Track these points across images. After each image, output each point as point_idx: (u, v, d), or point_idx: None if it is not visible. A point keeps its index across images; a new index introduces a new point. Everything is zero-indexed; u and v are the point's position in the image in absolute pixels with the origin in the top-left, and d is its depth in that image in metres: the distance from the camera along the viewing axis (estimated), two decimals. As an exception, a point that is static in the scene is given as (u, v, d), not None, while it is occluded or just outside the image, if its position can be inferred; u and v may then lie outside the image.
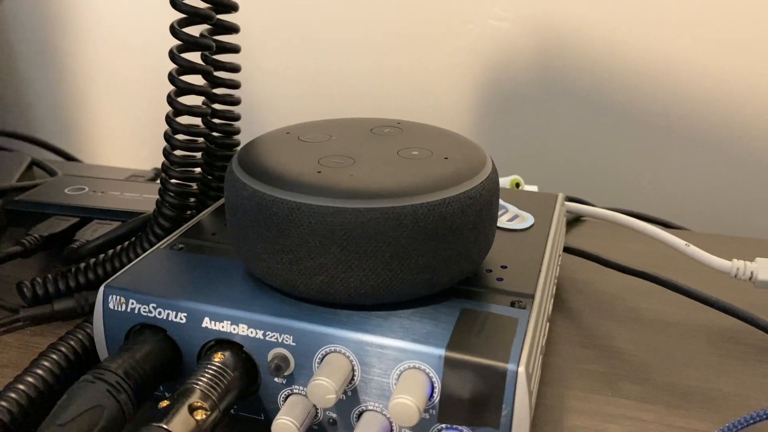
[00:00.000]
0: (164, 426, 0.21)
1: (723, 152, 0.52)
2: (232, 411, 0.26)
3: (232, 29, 0.31)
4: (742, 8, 0.48)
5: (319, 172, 0.25)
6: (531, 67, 0.54)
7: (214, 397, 0.23)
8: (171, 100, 0.30)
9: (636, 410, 0.27)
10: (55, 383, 0.26)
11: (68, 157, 0.59)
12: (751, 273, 0.33)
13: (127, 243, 0.33)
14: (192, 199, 0.33)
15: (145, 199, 0.40)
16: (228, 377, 0.23)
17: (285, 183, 0.24)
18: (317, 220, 0.23)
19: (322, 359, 0.23)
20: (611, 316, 0.34)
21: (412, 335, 0.23)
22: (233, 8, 0.31)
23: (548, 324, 0.29)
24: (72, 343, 0.27)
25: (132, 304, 0.25)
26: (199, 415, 0.22)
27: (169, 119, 0.30)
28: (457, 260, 0.25)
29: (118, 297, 0.25)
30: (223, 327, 0.24)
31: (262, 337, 0.24)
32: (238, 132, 0.34)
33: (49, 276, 0.32)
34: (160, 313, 0.25)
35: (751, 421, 0.25)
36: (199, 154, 0.32)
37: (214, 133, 0.33)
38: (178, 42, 0.29)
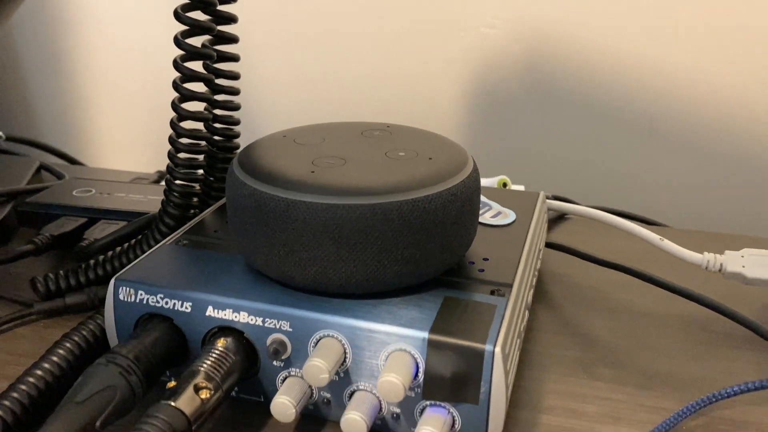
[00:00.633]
0: (172, 404, 0.23)
1: (702, 153, 0.54)
2: (233, 393, 0.28)
3: (232, 40, 0.34)
4: (722, 17, 0.50)
5: (312, 171, 0.27)
6: (520, 72, 0.56)
7: (217, 379, 0.25)
8: (175, 106, 0.32)
9: (609, 392, 0.29)
10: (69, 369, 0.28)
11: (72, 161, 0.61)
12: (721, 265, 0.35)
13: (133, 240, 0.35)
14: (195, 199, 0.35)
15: (149, 200, 0.42)
16: (230, 361, 0.25)
17: (282, 182, 0.26)
18: (311, 215, 0.25)
19: (316, 343, 0.25)
20: (589, 307, 0.36)
21: (398, 320, 0.25)
22: (232, 20, 0.33)
23: (527, 312, 0.31)
24: (84, 332, 0.29)
25: (141, 295, 0.27)
26: (204, 394, 0.24)
27: (173, 124, 0.32)
28: (440, 252, 0.27)
29: (127, 289, 0.28)
30: (225, 315, 0.26)
31: (261, 324, 0.26)
32: (237, 136, 0.36)
33: (61, 272, 0.34)
34: (167, 303, 0.27)
35: (714, 399, 0.27)
36: (201, 157, 0.34)
37: (216, 137, 0.35)
38: (182, 52, 0.31)
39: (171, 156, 0.33)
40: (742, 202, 0.54)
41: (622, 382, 0.30)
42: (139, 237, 0.35)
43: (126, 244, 0.35)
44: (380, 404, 0.26)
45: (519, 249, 0.31)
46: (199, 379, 0.24)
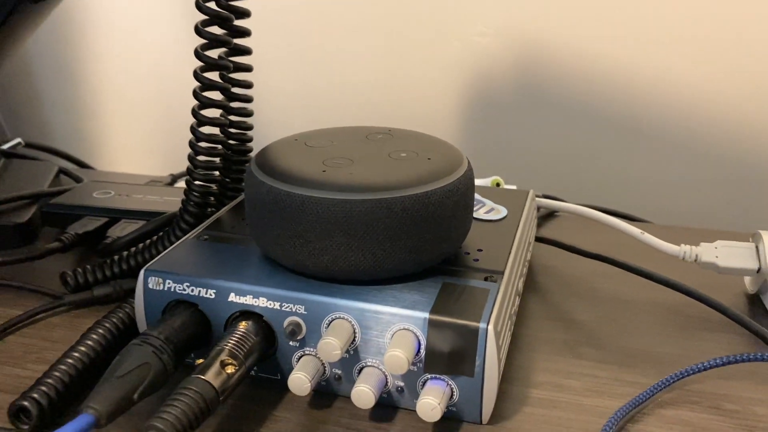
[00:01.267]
0: (202, 377, 0.26)
1: (685, 153, 0.57)
2: (252, 372, 0.31)
3: (246, 51, 0.37)
4: (702, 24, 0.54)
5: (324, 171, 0.30)
6: (511, 77, 0.60)
7: (240, 356, 0.28)
8: (195, 113, 0.35)
9: (592, 369, 0.32)
10: (102, 351, 0.31)
11: (82, 165, 0.64)
12: (696, 255, 0.38)
13: (155, 237, 0.38)
14: (212, 198, 0.38)
15: (165, 201, 0.45)
16: (251, 341, 0.28)
17: (297, 180, 0.29)
18: (324, 209, 0.28)
19: (329, 324, 0.28)
20: (575, 294, 0.39)
21: (402, 303, 0.28)
22: (246, 33, 0.36)
23: (518, 298, 0.34)
24: (114, 319, 0.32)
25: (168, 283, 0.30)
26: (229, 369, 0.27)
27: (193, 129, 0.35)
28: (438, 242, 0.30)
29: (156, 278, 0.30)
30: (246, 300, 0.29)
31: (278, 308, 0.29)
32: (251, 140, 0.39)
33: (89, 267, 0.37)
34: (192, 291, 0.30)
35: (686, 374, 0.30)
36: (218, 160, 0.37)
37: (231, 141, 0.38)
38: (201, 63, 0.34)
39: (191, 158, 0.36)
40: (718, 199, 0.58)
41: (604, 361, 0.33)
42: (161, 234, 0.38)
43: (148, 241, 0.38)
44: (386, 379, 0.28)
45: (510, 241, 0.34)
46: (225, 356, 0.27)
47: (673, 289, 0.37)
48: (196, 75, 0.34)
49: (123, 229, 0.42)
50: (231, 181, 0.39)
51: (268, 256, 0.31)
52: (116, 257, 0.37)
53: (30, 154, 0.57)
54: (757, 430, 0.28)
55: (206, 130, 0.36)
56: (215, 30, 0.35)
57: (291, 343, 0.29)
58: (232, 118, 0.37)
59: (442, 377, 0.28)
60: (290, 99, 0.64)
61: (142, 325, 0.32)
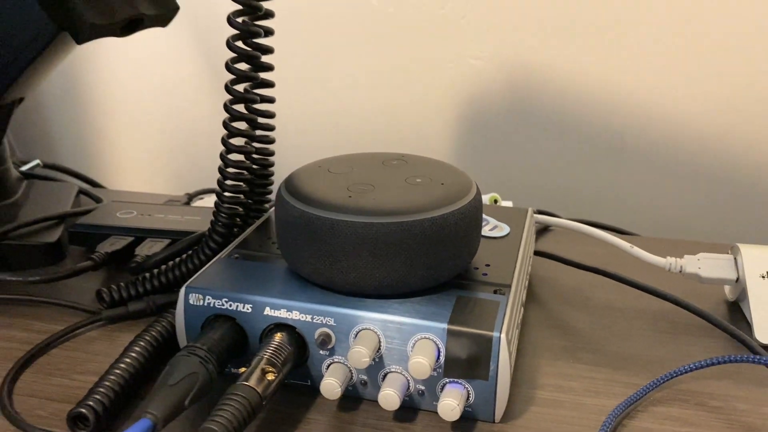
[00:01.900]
0: (247, 383, 0.29)
1: (669, 169, 0.61)
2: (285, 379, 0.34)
3: (269, 85, 0.40)
4: (687, 45, 0.58)
5: (350, 196, 0.33)
6: (504, 98, 0.63)
7: (278, 364, 0.31)
8: (224, 141, 0.38)
9: (590, 371, 0.36)
10: (145, 362, 0.34)
11: (95, 185, 0.67)
12: (681, 267, 0.42)
13: (184, 255, 0.41)
14: (238, 219, 0.41)
15: (186, 220, 0.48)
16: (287, 350, 0.31)
17: (326, 205, 0.32)
18: (352, 232, 0.31)
19: (356, 335, 0.32)
20: (572, 304, 0.42)
21: (423, 315, 0.31)
22: (270, 69, 0.39)
23: (523, 309, 0.38)
24: (153, 333, 0.35)
25: (208, 299, 0.33)
26: (270, 376, 0.30)
27: (222, 156, 0.38)
28: (453, 260, 0.33)
29: (197, 294, 0.33)
30: (280, 314, 0.32)
31: (310, 320, 0.32)
32: (272, 165, 0.42)
33: (122, 284, 0.40)
34: (230, 305, 0.33)
35: (674, 375, 0.34)
36: (243, 184, 0.40)
37: (254, 166, 0.41)
38: (230, 96, 0.37)
39: (220, 183, 0.39)
40: (700, 212, 0.62)
41: (600, 364, 0.36)
42: (189, 253, 0.41)
43: (178, 259, 0.41)
44: (408, 383, 0.32)
45: (514, 256, 0.37)
46: (265, 365, 0.30)
47: (661, 297, 0.41)
48: (226, 107, 0.37)
49: (150, 248, 0.45)
50: (254, 203, 0.42)
51: (298, 273, 0.34)
52: (148, 274, 0.40)
53: (47, 175, 0.60)
54: (738, 423, 0.32)
55: (233, 156, 0.39)
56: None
57: (321, 352, 0.32)
58: (256, 145, 0.40)
59: (459, 381, 0.31)
60: (300, 125, 0.67)
61: (182, 337, 0.34)
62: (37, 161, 0.59)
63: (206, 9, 0.64)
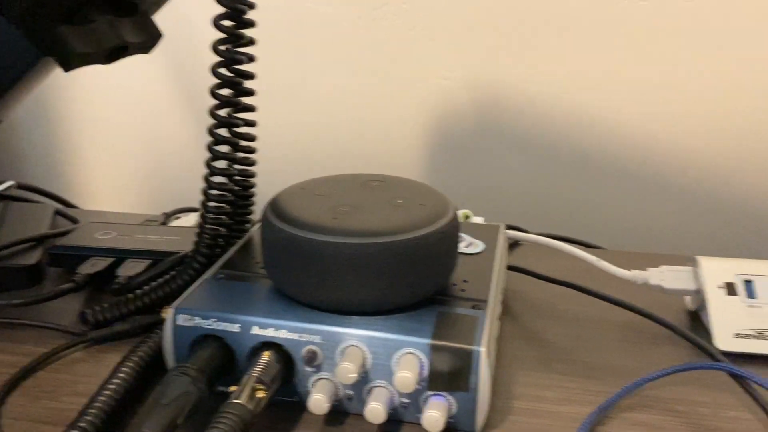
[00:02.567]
0: (238, 401, 0.30)
1: (631, 183, 0.64)
2: (272, 396, 0.35)
3: (251, 109, 0.41)
4: (648, 64, 0.61)
5: (334, 218, 0.34)
6: (472, 116, 0.65)
7: (267, 381, 0.32)
8: (208, 164, 0.39)
9: (563, 381, 0.37)
10: (133, 382, 0.34)
11: (69, 205, 0.66)
12: (645, 280, 0.44)
13: (169, 276, 0.41)
14: (221, 240, 0.42)
15: (166, 240, 0.49)
16: (275, 368, 0.33)
17: (312, 227, 0.33)
18: (338, 252, 0.32)
19: (342, 351, 0.33)
20: (544, 316, 0.44)
21: (406, 330, 0.33)
22: (251, 94, 0.40)
23: (500, 322, 0.39)
24: (140, 354, 0.36)
25: (197, 320, 0.34)
26: (260, 394, 0.31)
27: (206, 179, 0.39)
28: (433, 277, 0.35)
29: (185, 315, 0.34)
30: (268, 332, 0.33)
31: (297, 338, 0.33)
32: (254, 186, 0.43)
33: (105, 304, 0.41)
34: (219, 325, 0.34)
35: (642, 383, 0.36)
36: (226, 206, 0.41)
37: (236, 187, 0.42)
38: (214, 121, 0.39)
39: (203, 204, 0.40)
40: (661, 224, 0.65)
41: (572, 374, 0.38)
42: (174, 273, 0.41)
43: (162, 279, 0.41)
44: (393, 397, 0.33)
45: (489, 272, 0.39)
46: (255, 383, 0.31)
47: (626, 309, 0.43)
48: (210, 131, 0.38)
49: (131, 268, 0.45)
50: (236, 223, 0.43)
51: (284, 293, 0.35)
52: (132, 295, 0.41)
53: (22, 196, 0.60)
54: (701, 426, 0.34)
55: (216, 179, 0.40)
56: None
57: (308, 368, 0.34)
58: (238, 167, 0.41)
59: (442, 393, 0.32)
60: (274, 144, 0.68)
61: (170, 357, 0.35)
62: (11, 182, 0.59)
63: (181, 34, 0.65)
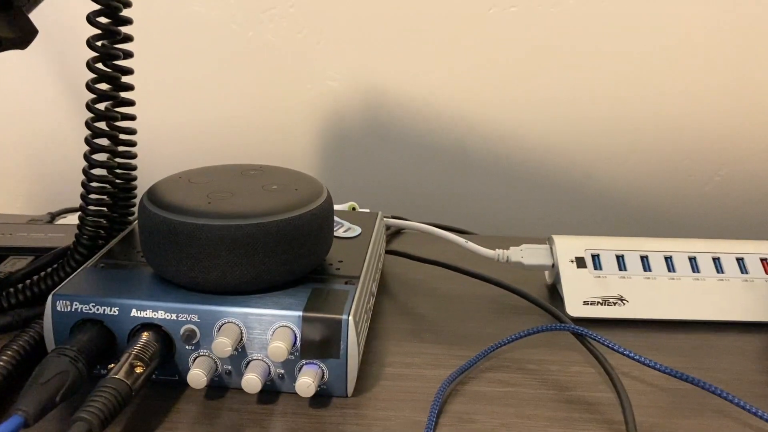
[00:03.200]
0: (116, 376, 0.31)
1: (501, 176, 0.69)
2: (153, 376, 0.36)
3: (130, 103, 0.42)
4: (509, 69, 0.66)
5: (209, 202, 0.36)
6: (359, 116, 0.69)
7: (146, 358, 0.33)
8: (87, 157, 0.40)
9: (432, 349, 0.41)
10: (13, 369, 0.35)
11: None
12: (507, 257, 0.48)
13: (49, 269, 0.42)
14: (102, 232, 0.42)
15: (50, 238, 0.49)
16: (154, 347, 0.34)
17: (187, 211, 0.35)
18: (211, 234, 0.34)
19: (219, 328, 0.35)
20: (418, 293, 0.48)
21: (280, 305, 0.35)
22: (130, 88, 0.42)
23: (373, 298, 0.42)
24: (21, 342, 0.36)
25: (75, 305, 0.35)
26: (138, 369, 0.32)
27: (85, 172, 0.40)
28: (307, 257, 0.37)
29: (64, 301, 0.35)
30: (146, 314, 0.35)
31: (175, 318, 0.35)
32: (135, 179, 0.44)
33: (-16, 300, 0.41)
34: (98, 309, 0.35)
35: (499, 345, 0.40)
36: (107, 197, 0.42)
37: (117, 181, 0.43)
38: (92, 114, 0.40)
39: (83, 197, 0.41)
40: (530, 211, 0.70)
41: (441, 342, 0.42)
42: (54, 266, 0.42)
43: (42, 273, 0.42)
44: (269, 368, 0.35)
45: (364, 253, 0.42)
46: (133, 359, 0.33)
47: (492, 284, 0.47)
48: (88, 125, 0.39)
49: (13, 265, 0.45)
50: (119, 216, 0.44)
51: (163, 276, 0.37)
52: (13, 289, 0.41)
53: None
54: (550, 381, 0.38)
55: (96, 171, 0.41)
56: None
57: (187, 347, 0.35)
58: (118, 160, 0.42)
59: (314, 361, 0.35)
60: (161, 139, 0.69)
61: (50, 343, 0.36)
62: None
63: (62, 30, 0.65)
